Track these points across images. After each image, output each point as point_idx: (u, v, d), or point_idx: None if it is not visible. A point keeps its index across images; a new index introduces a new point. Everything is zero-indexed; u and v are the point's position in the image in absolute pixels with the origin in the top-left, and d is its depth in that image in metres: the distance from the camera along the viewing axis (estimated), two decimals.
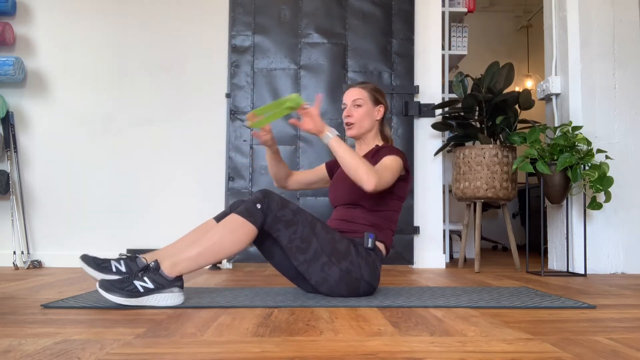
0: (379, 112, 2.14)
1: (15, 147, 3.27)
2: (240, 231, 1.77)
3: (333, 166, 2.30)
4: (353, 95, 2.12)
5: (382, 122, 2.19)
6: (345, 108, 2.14)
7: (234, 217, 1.78)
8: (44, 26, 3.37)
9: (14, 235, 3.23)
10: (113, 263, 1.78)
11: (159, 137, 3.33)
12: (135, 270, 1.74)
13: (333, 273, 1.86)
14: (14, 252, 3.18)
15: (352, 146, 2.21)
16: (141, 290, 1.68)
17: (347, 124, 2.13)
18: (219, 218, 2.04)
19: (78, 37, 3.37)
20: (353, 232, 1.99)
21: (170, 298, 1.71)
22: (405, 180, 2.06)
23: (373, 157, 2.06)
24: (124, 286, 1.67)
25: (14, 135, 3.27)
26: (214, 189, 3.30)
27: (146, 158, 3.32)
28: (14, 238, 3.23)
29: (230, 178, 3.26)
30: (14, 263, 3.13)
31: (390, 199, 2.03)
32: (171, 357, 1.07)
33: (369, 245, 1.93)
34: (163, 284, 1.70)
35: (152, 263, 1.73)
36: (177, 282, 1.73)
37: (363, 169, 1.84)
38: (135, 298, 1.67)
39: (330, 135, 1.88)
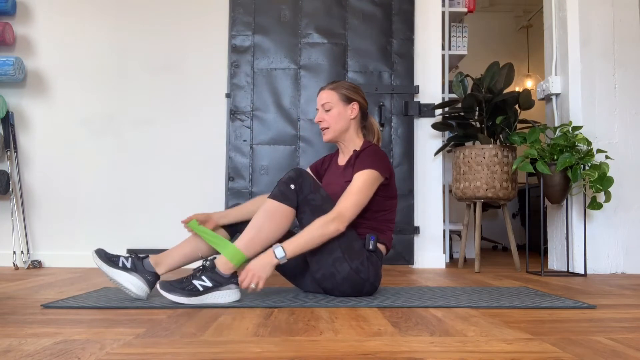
0: (353, 110, 2.06)
1: (15, 147, 3.27)
2: (278, 215, 1.80)
3: (318, 168, 2.24)
4: (322, 99, 2.07)
5: (362, 118, 2.12)
6: (318, 113, 2.10)
7: (270, 203, 1.81)
8: (44, 26, 3.37)
9: (14, 235, 3.23)
10: (121, 259, 1.81)
11: (158, 137, 3.33)
12: (194, 271, 1.79)
13: (342, 270, 1.86)
14: (14, 252, 3.18)
15: (334, 150, 2.18)
16: (201, 289, 1.73)
17: (321, 129, 2.09)
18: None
19: (78, 37, 3.37)
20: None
21: (228, 295, 1.76)
22: (387, 184, 2.00)
23: (353, 166, 1.99)
24: (184, 286, 1.72)
25: (14, 135, 3.27)
26: (214, 189, 3.30)
27: (146, 158, 3.32)
28: (14, 238, 3.23)
29: (230, 178, 3.26)
30: (14, 263, 3.13)
31: (383, 202, 2.01)
32: (171, 357, 1.07)
33: (371, 247, 1.93)
34: (220, 282, 1.75)
35: (207, 262, 1.77)
36: (233, 279, 1.78)
37: (324, 231, 1.79)
38: (195, 297, 1.72)
39: (282, 253, 1.75)
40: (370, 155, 1.97)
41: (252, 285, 1.76)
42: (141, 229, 3.27)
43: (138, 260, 1.84)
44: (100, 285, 2.27)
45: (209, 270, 1.76)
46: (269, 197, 1.84)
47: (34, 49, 3.36)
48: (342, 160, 2.14)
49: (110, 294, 1.97)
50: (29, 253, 3.22)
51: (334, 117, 2.05)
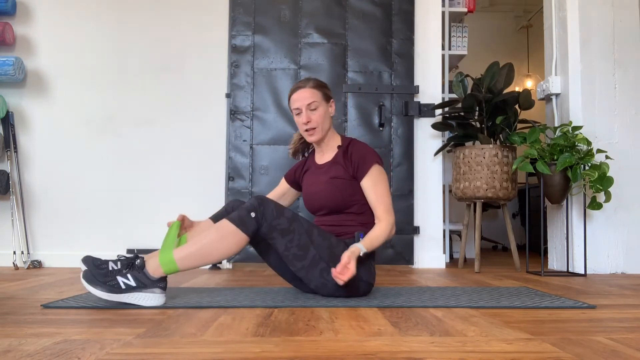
0: (332, 107, 2.06)
1: (15, 147, 3.27)
2: (230, 238, 1.75)
3: (294, 176, 2.22)
4: (306, 99, 1.98)
5: None
6: (298, 113, 2.01)
7: (226, 224, 1.76)
8: (44, 26, 3.37)
9: (14, 235, 3.23)
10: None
11: (158, 137, 3.33)
12: (121, 266, 1.74)
13: (332, 278, 1.86)
14: (14, 252, 3.18)
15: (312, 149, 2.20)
16: (122, 286, 1.68)
17: (307, 130, 2.01)
18: (215, 217, 2.03)
19: (78, 37, 3.37)
20: (343, 235, 1.99)
21: (150, 298, 1.71)
22: None
23: (346, 163, 2.00)
24: (106, 280, 1.68)
25: (14, 135, 3.27)
26: (214, 189, 3.30)
27: (146, 158, 3.32)
28: (14, 238, 3.23)
29: (230, 178, 3.26)
30: (14, 263, 3.13)
31: None
32: (171, 357, 1.07)
33: None
34: (145, 283, 1.70)
35: (138, 260, 1.72)
36: (160, 283, 1.72)
37: (388, 237, 1.92)
38: (115, 294, 1.67)
39: (362, 249, 1.82)
40: (362, 151, 1.98)
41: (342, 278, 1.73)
42: (141, 229, 3.27)
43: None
44: None
45: (136, 269, 1.70)
46: (226, 218, 1.79)
47: (34, 49, 3.36)
48: (321, 158, 2.11)
49: None
50: (29, 253, 3.22)
51: (322, 117, 2.01)
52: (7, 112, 3.25)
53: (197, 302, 1.79)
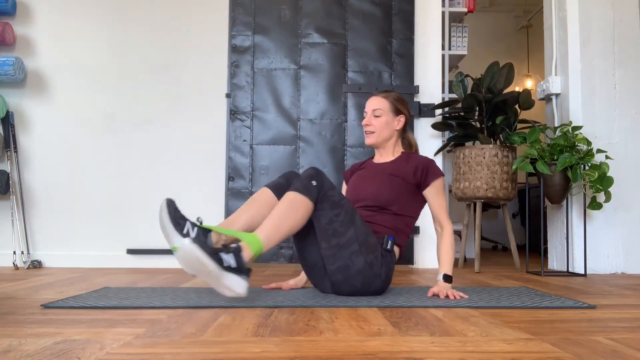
0: (399, 122, 2.17)
1: (15, 147, 3.27)
2: (302, 208, 1.80)
3: (350, 174, 2.31)
4: (373, 105, 2.15)
5: (404, 130, 2.24)
6: (366, 116, 2.18)
7: (294, 195, 1.80)
8: (44, 26, 3.37)
9: (14, 235, 3.23)
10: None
11: (158, 137, 3.33)
12: (223, 245, 1.72)
13: (358, 262, 1.88)
14: (14, 252, 3.18)
15: (371, 153, 2.28)
16: (225, 264, 1.62)
17: (366, 132, 2.18)
18: (274, 187, 1.98)
19: (78, 37, 3.37)
20: (374, 233, 2.01)
21: (241, 285, 1.64)
22: None
23: (407, 165, 2.12)
24: (213, 252, 1.61)
25: (14, 135, 3.27)
26: (214, 189, 3.30)
27: (146, 158, 3.32)
28: (14, 238, 3.23)
29: (230, 178, 3.26)
30: (14, 263, 3.13)
31: (415, 207, 2.12)
32: (171, 357, 1.07)
33: (388, 247, 1.98)
34: (242, 269, 1.66)
35: (234, 245, 1.68)
36: (249, 272, 1.69)
37: (452, 240, 2.08)
38: (218, 267, 1.60)
39: (447, 273, 2.03)
40: (429, 161, 2.12)
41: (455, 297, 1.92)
42: (141, 228, 3.27)
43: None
44: (100, 285, 2.27)
45: (233, 251, 1.66)
46: (291, 189, 1.81)
47: (34, 49, 3.36)
48: (379, 159, 2.23)
49: (110, 293, 1.97)
50: (29, 253, 3.22)
51: (382, 125, 2.15)
52: (7, 112, 3.25)
53: (197, 302, 1.79)
